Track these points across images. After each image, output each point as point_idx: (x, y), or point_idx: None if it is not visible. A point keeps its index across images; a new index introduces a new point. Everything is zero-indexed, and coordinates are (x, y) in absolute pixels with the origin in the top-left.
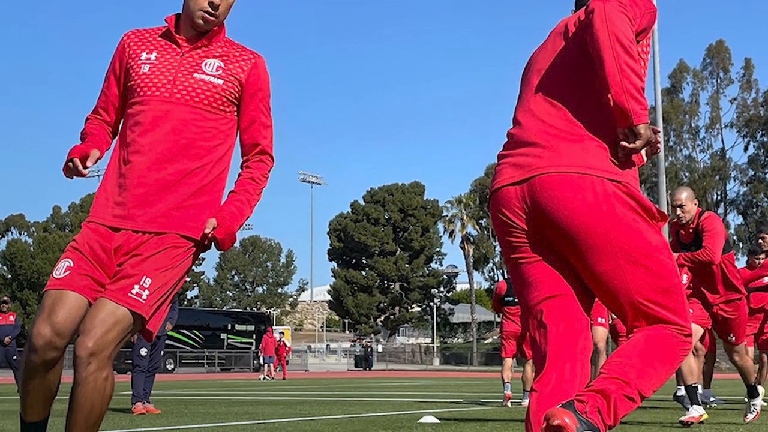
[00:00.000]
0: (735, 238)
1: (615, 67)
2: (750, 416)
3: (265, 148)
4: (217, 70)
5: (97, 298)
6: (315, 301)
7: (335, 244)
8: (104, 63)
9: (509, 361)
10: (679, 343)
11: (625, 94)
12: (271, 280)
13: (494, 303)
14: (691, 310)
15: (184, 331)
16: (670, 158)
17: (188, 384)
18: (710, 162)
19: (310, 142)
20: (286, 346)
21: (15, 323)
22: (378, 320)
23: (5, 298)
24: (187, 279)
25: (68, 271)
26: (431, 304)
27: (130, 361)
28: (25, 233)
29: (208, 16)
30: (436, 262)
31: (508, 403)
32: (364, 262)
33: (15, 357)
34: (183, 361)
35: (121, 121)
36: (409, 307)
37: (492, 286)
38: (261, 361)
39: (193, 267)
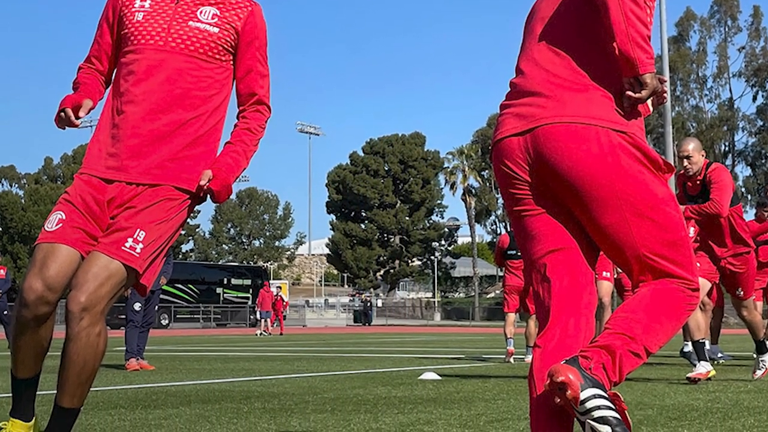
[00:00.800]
0: (743, 190)
1: (620, 15)
2: (759, 372)
3: (261, 97)
4: (212, 18)
5: (90, 251)
6: (313, 255)
7: (334, 197)
8: (98, 10)
9: (512, 317)
10: (686, 297)
11: (630, 42)
12: (268, 234)
13: (497, 257)
14: (698, 264)
15: (179, 286)
16: (676, 108)
17: (183, 340)
18: (718, 112)
19: (308, 91)
20: (283, 300)
21: (6, 277)
22: (377, 274)
23: None
24: (182, 232)
25: (60, 224)
26: (432, 257)
27: (123, 317)
28: (16, 185)
29: None
30: (437, 215)
31: (511, 359)
32: (364, 214)
33: (6, 312)
34: (178, 316)
35: (115, 71)
36: (409, 261)
37: (494, 240)
38: (258, 317)
39: (188, 220)
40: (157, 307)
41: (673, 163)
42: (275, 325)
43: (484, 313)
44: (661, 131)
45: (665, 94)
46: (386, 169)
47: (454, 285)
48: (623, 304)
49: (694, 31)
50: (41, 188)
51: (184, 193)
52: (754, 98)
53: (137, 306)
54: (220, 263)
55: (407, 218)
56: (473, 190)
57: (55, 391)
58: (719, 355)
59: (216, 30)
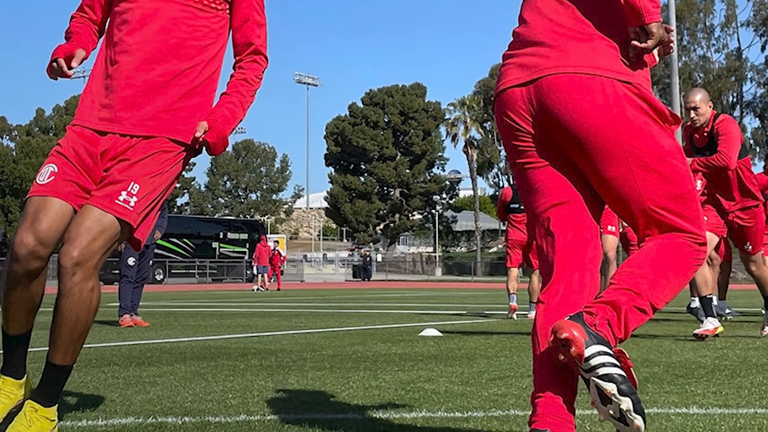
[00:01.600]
0: (752, 142)
1: None
2: None
3: (258, 47)
4: None
5: (83, 205)
6: (311, 209)
7: (332, 149)
8: None
9: (515, 272)
10: (693, 252)
11: None
12: (265, 186)
13: (499, 210)
14: (705, 218)
15: (174, 240)
16: (683, 58)
17: (178, 295)
18: (725, 62)
19: (306, 41)
20: (280, 255)
21: None
22: (377, 228)
23: None
24: (177, 185)
25: (52, 177)
26: (433, 211)
27: (117, 272)
28: (7, 137)
29: None
30: (438, 168)
31: (514, 316)
32: (363, 167)
33: None
34: (173, 271)
35: (108, 20)
36: (409, 215)
37: (497, 193)
38: (254, 271)
39: (184, 172)
40: (151, 261)
41: (679, 115)
42: (272, 280)
43: (486, 268)
44: (667, 82)
45: (671, 44)
46: (386, 120)
47: (456, 239)
48: (629, 259)
49: None
50: (33, 140)
51: (179, 145)
52: (763, 48)
53: (131, 261)
54: (216, 217)
55: (407, 171)
56: (475, 142)
57: (47, 348)
58: (727, 311)
59: None
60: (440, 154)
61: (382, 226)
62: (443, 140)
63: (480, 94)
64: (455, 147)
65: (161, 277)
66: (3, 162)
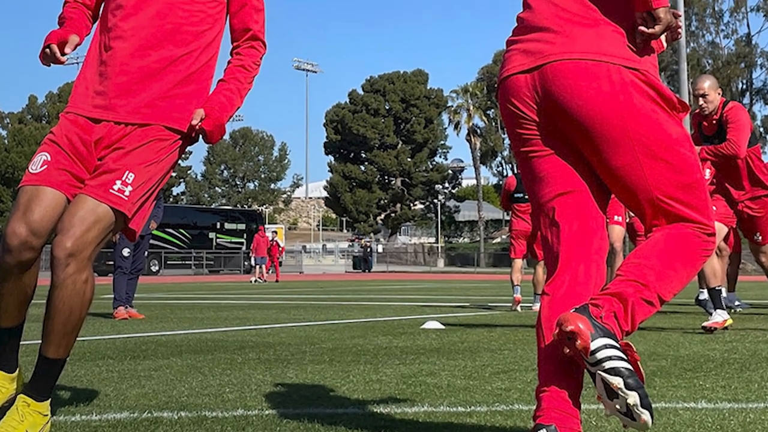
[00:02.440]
0: (761, 129)
1: None
2: None
3: (256, 33)
4: None
5: (77, 194)
6: (310, 198)
7: (332, 137)
8: None
9: (519, 263)
10: (702, 242)
11: None
12: (263, 175)
13: (503, 200)
14: (714, 208)
15: (170, 230)
16: (692, 44)
17: (174, 287)
18: (735, 48)
19: (305, 26)
20: (279, 246)
21: None
22: (378, 218)
23: None
24: (173, 174)
25: (45, 166)
26: (435, 201)
27: (111, 263)
28: None
29: None
30: (440, 156)
31: (518, 308)
32: (363, 155)
33: None
34: (168, 262)
35: (102, 5)
36: (411, 205)
37: (500, 182)
38: (252, 263)
39: (180, 161)
40: (146, 252)
41: (688, 102)
42: (270, 271)
43: (490, 259)
44: (675, 68)
45: (679, 30)
46: (387, 108)
47: (458, 230)
48: (636, 250)
49: None
50: (25, 128)
51: (175, 133)
52: None
53: (126, 252)
54: (212, 207)
55: (409, 159)
56: (478, 130)
57: (40, 341)
58: (736, 303)
59: None
60: (442, 142)
61: (383, 216)
62: (446, 128)
63: (483, 80)
64: (458, 135)
65: (157, 268)
66: None
